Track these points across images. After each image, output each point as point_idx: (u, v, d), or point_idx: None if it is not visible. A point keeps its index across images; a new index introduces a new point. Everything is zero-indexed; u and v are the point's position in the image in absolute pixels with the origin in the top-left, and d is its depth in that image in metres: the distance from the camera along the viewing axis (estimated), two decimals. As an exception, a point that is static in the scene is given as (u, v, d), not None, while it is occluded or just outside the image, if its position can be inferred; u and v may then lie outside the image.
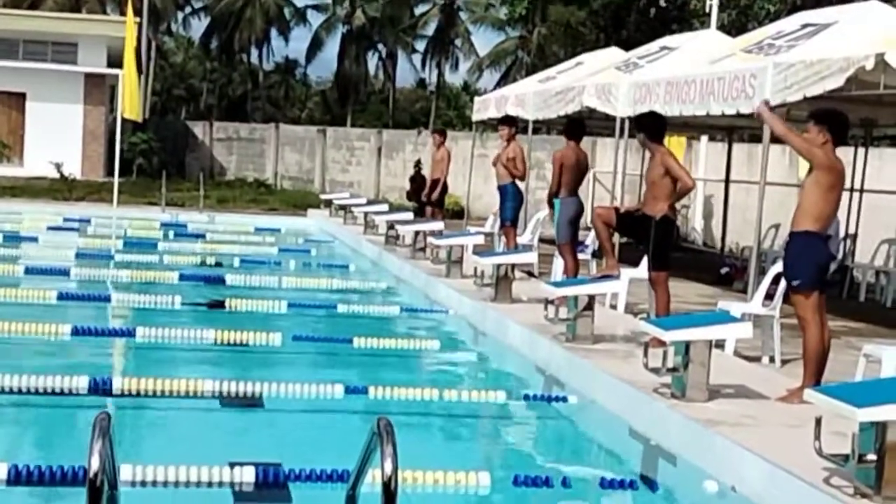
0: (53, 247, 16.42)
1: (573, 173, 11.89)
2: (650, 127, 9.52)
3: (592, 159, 22.84)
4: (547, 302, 9.50)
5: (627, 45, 19.85)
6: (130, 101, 23.10)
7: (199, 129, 37.13)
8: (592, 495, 6.04)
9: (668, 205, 9.11)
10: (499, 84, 46.42)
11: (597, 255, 13.02)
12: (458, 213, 24.79)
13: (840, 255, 15.03)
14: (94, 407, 6.28)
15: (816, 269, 7.23)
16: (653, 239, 9.16)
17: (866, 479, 4.95)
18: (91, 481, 3.63)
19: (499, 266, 11.48)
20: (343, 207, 22.39)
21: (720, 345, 8.64)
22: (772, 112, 7.98)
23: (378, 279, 14.63)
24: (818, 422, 5.22)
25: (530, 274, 14.14)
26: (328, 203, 24.60)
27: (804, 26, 11.21)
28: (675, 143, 22.08)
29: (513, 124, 14.42)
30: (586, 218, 13.93)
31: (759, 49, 11.23)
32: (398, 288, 14.08)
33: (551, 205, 12.04)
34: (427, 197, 18.64)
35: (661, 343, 7.37)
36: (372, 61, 61.64)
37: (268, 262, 16.17)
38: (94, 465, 3.65)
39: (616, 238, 10.63)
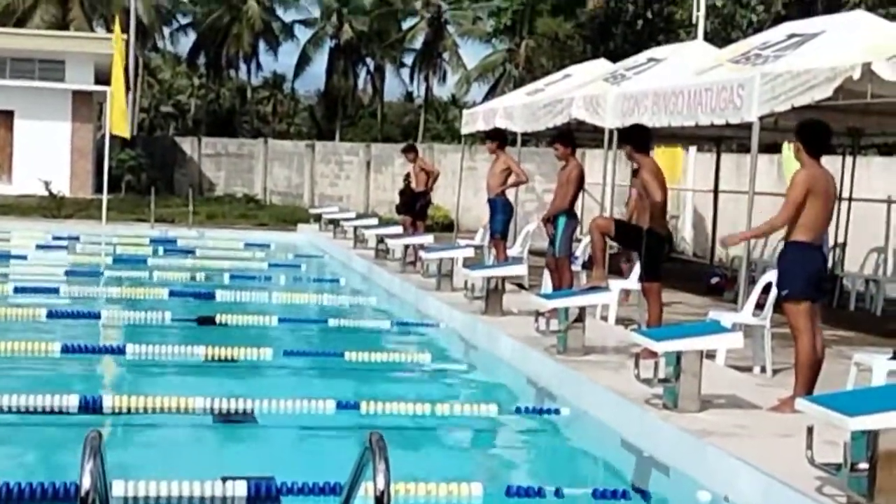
0: (43, 265, 16.37)
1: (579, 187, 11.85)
2: (635, 138, 9.52)
3: (581, 171, 22.81)
4: (537, 314, 9.50)
5: (615, 57, 19.89)
6: (118, 118, 23.13)
7: (187, 144, 37.09)
8: (585, 507, 6.02)
9: (650, 216, 9.14)
10: (487, 97, 46.39)
11: (586, 266, 13.00)
12: (448, 226, 24.77)
13: (829, 265, 15.04)
14: (84, 425, 6.25)
15: (806, 278, 7.23)
16: (644, 249, 9.18)
17: (859, 487, 4.96)
18: (82, 500, 3.63)
19: (489, 279, 11.48)
20: (332, 222, 22.41)
21: (711, 355, 8.64)
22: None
23: (368, 293, 14.61)
24: (810, 431, 5.23)
25: (521, 286, 14.14)
26: (318, 218, 24.61)
27: (790, 36, 11.23)
28: (668, 155, 22.08)
29: (499, 138, 14.49)
30: (580, 230, 13.95)
31: (747, 59, 11.26)
32: (389, 302, 14.06)
33: (553, 221, 11.80)
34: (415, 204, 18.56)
35: (653, 354, 7.38)
36: (360, 75, 61.78)
37: (258, 278, 16.16)
38: (86, 483, 3.65)
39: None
